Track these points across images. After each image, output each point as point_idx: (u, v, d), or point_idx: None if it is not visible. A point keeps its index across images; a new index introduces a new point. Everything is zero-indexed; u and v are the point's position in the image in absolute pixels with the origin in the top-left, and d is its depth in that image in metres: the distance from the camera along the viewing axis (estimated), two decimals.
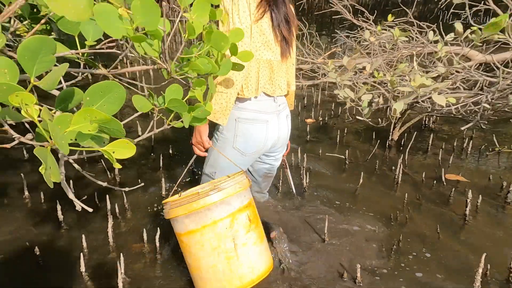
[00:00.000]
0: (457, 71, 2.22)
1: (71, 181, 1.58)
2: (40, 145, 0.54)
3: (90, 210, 0.76)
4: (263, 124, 1.22)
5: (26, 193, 1.52)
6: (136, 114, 0.97)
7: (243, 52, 1.04)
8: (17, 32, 1.01)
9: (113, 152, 0.65)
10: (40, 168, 0.47)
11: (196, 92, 1.07)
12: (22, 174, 1.57)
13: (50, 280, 1.13)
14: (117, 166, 0.68)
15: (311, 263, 1.27)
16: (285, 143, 1.38)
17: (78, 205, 0.74)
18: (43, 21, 0.84)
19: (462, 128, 1.82)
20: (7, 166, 1.73)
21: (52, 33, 1.17)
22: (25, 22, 0.91)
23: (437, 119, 2.66)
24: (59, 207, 1.37)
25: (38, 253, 1.17)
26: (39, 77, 0.57)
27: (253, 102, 1.19)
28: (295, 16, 1.22)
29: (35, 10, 0.94)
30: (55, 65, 0.61)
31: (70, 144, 0.57)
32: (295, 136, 2.36)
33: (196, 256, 0.99)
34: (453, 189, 1.74)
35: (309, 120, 2.67)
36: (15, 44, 0.92)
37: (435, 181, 1.86)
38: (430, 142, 2.23)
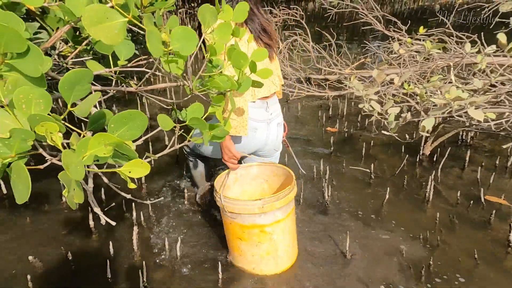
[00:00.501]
0: (502, 84, 2.06)
1: (102, 189, 1.68)
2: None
3: (114, 223, 0.81)
4: (252, 131, 1.28)
5: (64, 199, 1.64)
6: (158, 129, 1.02)
7: (263, 69, 1.07)
8: (62, 53, 1.12)
9: (129, 172, 0.69)
10: (64, 191, 0.51)
11: (217, 110, 1.11)
12: (61, 181, 1.69)
13: (80, 284, 1.20)
14: (132, 186, 0.71)
15: (332, 280, 1.22)
16: (273, 149, 1.43)
17: (103, 218, 0.79)
18: (84, 43, 0.93)
19: (504, 146, 1.68)
20: (50, 174, 1.89)
21: (91, 51, 1.28)
22: (69, 44, 1.01)
23: (477, 134, 2.48)
24: (90, 216, 1.46)
25: (70, 257, 1.25)
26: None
27: (248, 107, 1.25)
28: (269, 20, 1.30)
29: (77, 33, 1.04)
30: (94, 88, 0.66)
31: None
32: (318, 147, 2.32)
33: (276, 240, 1.23)
34: (494, 211, 1.60)
35: (331, 129, 2.62)
36: (61, 64, 1.01)
37: (472, 202, 1.72)
38: (468, 158, 2.08)
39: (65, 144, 0.56)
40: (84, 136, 0.68)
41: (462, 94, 1.31)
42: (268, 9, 4.91)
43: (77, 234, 1.44)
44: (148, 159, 0.99)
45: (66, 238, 1.42)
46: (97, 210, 0.73)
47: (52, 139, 0.50)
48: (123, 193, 1.00)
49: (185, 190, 1.70)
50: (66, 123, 0.66)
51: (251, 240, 1.22)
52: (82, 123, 2.47)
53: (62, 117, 0.62)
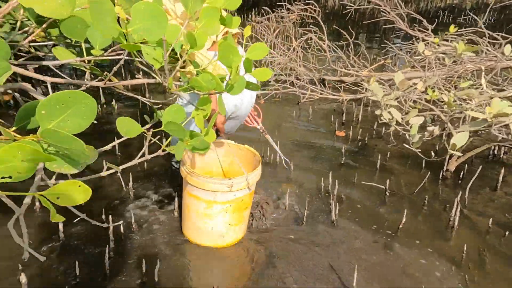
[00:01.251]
0: None
1: None
2: None
3: (42, 259, 0.64)
4: None
5: (37, 204, 1.49)
6: (123, 139, 0.84)
7: (260, 69, 0.87)
8: (35, 38, 0.95)
9: (58, 198, 0.50)
10: None
11: (197, 116, 0.91)
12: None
13: None
14: (58, 219, 0.53)
15: None
16: (250, 107, 1.49)
17: (27, 252, 0.62)
18: (45, 24, 0.77)
19: None
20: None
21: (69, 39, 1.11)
22: (33, 26, 0.85)
23: (511, 150, 2.18)
24: (60, 226, 1.29)
25: (23, 280, 1.07)
26: None
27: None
28: None
29: None
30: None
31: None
32: (327, 157, 2.09)
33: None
34: None
35: (339, 133, 2.40)
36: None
37: (507, 232, 1.46)
38: (501, 178, 1.80)
39: None
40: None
41: (507, 109, 1.06)
42: (284, 5, 4.69)
43: (43, 247, 1.27)
44: (112, 171, 0.80)
45: (29, 251, 1.26)
46: (17, 240, 0.56)
47: None
48: (78, 213, 0.83)
49: (176, 199, 1.53)
50: None
51: (251, 205, 1.39)
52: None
53: None
